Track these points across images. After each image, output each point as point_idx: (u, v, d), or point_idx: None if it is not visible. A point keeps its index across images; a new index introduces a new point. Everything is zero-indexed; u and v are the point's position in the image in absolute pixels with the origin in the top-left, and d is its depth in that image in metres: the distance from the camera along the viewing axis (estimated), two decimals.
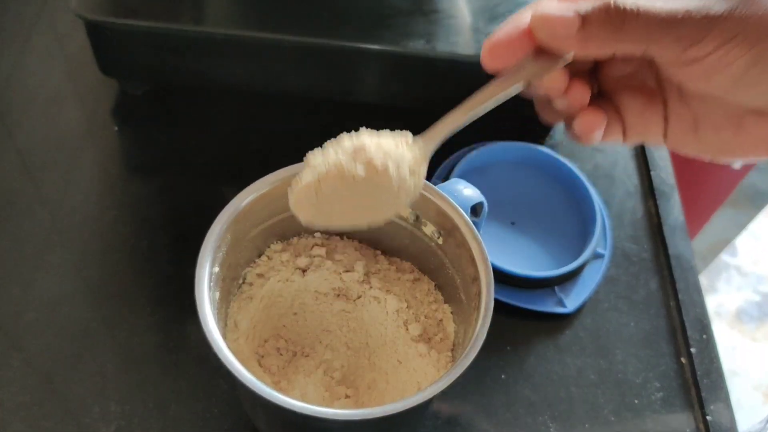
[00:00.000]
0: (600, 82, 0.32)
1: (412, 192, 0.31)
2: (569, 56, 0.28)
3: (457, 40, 0.50)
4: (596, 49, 0.27)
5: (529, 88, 0.29)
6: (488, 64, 0.29)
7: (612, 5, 0.26)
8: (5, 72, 0.58)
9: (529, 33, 0.28)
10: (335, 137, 0.31)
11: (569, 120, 0.31)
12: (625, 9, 0.26)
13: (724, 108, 0.28)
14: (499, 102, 0.29)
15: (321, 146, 0.31)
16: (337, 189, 0.30)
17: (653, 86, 0.30)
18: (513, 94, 0.29)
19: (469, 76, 0.50)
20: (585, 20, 0.26)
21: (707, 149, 0.29)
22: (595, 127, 0.30)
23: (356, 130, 0.31)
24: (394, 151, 0.30)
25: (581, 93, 0.30)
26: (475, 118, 0.30)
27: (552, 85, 0.29)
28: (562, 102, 0.30)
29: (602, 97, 0.31)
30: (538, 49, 0.28)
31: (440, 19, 0.51)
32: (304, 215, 0.32)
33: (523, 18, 0.28)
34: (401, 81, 0.53)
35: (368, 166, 0.29)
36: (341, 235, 0.43)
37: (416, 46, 0.50)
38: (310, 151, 0.31)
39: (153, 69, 0.54)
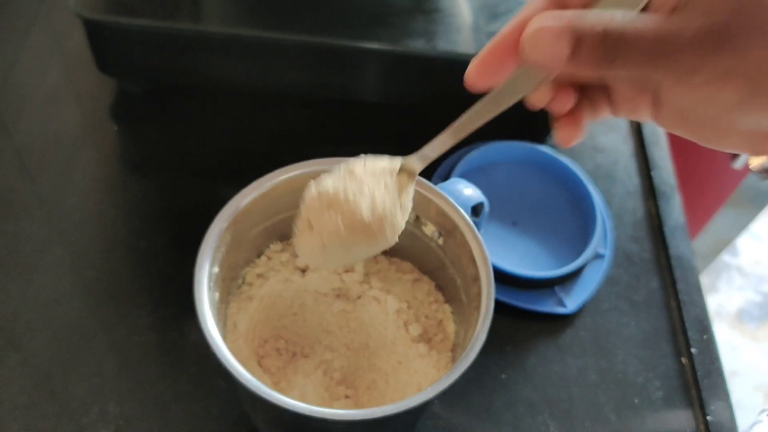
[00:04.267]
0: None
1: (401, 226, 0.33)
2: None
3: (457, 38, 0.50)
4: (587, 73, 0.27)
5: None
6: (473, 84, 0.28)
7: (609, 32, 0.24)
8: (3, 70, 0.58)
9: (517, 48, 0.27)
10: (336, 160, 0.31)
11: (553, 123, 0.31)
12: (623, 36, 0.24)
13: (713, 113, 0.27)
14: (489, 119, 0.30)
15: (324, 177, 0.33)
16: (340, 247, 0.33)
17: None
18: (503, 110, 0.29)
19: None
20: (577, 45, 0.25)
21: (695, 137, 0.28)
22: (571, 141, 0.30)
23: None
24: (387, 204, 0.32)
25: (563, 103, 0.30)
26: (463, 137, 0.31)
27: (537, 98, 0.29)
28: (547, 107, 0.30)
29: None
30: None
31: (440, 18, 0.51)
32: (312, 263, 0.39)
33: (511, 28, 0.27)
34: (401, 80, 0.53)
35: (366, 232, 0.32)
36: None
37: (416, 44, 0.49)
38: (306, 206, 0.33)
39: (152, 68, 0.54)
